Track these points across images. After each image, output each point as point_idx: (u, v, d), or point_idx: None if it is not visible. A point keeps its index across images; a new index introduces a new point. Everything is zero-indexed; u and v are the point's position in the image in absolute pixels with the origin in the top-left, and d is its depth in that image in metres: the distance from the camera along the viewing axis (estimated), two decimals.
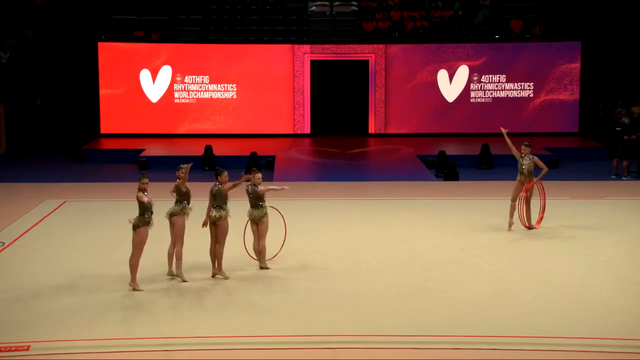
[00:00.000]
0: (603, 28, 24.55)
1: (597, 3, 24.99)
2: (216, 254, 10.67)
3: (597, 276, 10.89)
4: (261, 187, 10.96)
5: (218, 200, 10.66)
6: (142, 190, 10.17)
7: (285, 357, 8.32)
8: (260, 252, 11.09)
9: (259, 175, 11.01)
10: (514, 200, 13.20)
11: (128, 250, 12.25)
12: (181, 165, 10.63)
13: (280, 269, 11.19)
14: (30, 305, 9.62)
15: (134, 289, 10.07)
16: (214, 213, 10.65)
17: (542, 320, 9.23)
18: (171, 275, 10.58)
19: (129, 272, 10.25)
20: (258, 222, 10.99)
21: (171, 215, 10.59)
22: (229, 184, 10.70)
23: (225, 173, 10.79)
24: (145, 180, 10.20)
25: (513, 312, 9.47)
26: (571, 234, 13.14)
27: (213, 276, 10.68)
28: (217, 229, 10.64)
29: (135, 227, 10.13)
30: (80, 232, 13.20)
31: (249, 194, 11.07)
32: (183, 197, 10.62)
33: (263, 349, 8.49)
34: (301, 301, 9.89)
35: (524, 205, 13.14)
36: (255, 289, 10.37)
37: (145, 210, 10.13)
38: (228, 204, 10.71)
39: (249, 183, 11.04)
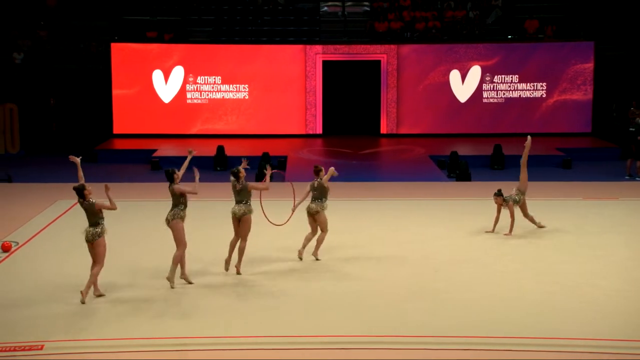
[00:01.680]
0: (616, 28, 24.46)
1: (610, 3, 24.89)
2: (239, 250, 10.89)
3: (609, 277, 10.87)
4: (325, 178, 11.53)
5: (242, 196, 10.86)
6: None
7: (298, 357, 8.35)
8: (319, 242, 11.66)
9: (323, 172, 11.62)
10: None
11: (138, 250, 12.34)
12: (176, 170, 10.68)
13: (292, 269, 11.23)
14: (44, 305, 9.70)
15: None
16: (236, 209, 10.88)
17: (553, 321, 9.23)
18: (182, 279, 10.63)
19: (139, 271, 10.32)
20: (315, 215, 11.53)
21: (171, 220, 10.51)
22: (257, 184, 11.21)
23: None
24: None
25: (524, 313, 9.47)
26: (584, 234, 13.11)
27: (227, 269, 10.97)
28: (242, 224, 10.86)
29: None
30: None
31: (314, 189, 11.51)
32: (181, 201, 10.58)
33: (276, 349, 8.53)
34: (314, 301, 9.92)
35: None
36: (268, 289, 10.41)
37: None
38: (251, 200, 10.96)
39: (315, 179, 11.55)
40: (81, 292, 9.71)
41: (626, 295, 10.17)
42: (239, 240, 10.93)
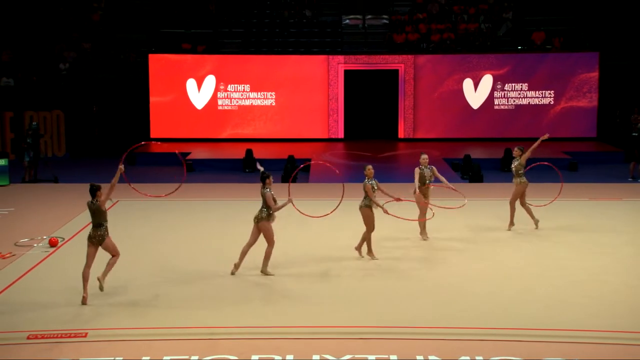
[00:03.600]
0: (620, 39, 24.21)
1: (614, 16, 24.65)
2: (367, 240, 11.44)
3: (615, 273, 10.75)
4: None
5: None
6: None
7: (321, 346, 8.31)
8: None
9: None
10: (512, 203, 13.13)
11: (174, 245, 12.36)
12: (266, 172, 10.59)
13: (317, 266, 11.21)
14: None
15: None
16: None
17: (561, 313, 9.14)
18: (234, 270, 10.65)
19: (177, 264, 10.34)
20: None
21: (258, 220, 10.48)
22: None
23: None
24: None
25: (533, 306, 9.39)
26: (589, 233, 12.98)
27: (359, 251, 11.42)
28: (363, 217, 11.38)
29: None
30: (131, 229, 13.35)
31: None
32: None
33: (300, 338, 8.51)
34: (338, 295, 9.89)
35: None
36: (298, 283, 10.40)
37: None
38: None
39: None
40: (98, 278, 9.56)
41: (631, 289, 10.04)
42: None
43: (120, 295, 9.78)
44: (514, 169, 12.99)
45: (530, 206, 13.07)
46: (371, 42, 25.04)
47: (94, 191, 9.60)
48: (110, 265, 9.70)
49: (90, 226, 9.64)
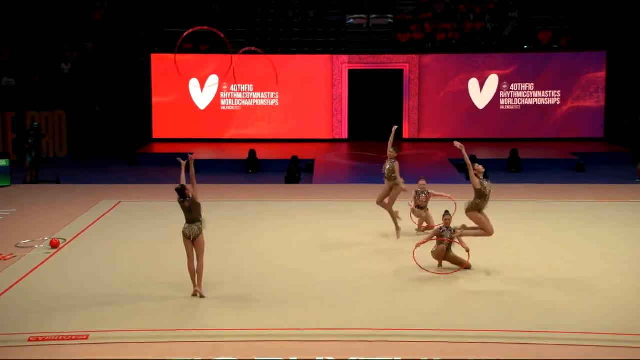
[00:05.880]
0: (628, 38, 24.17)
1: (621, 15, 24.61)
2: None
3: (622, 274, 10.72)
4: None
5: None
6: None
7: (324, 348, 8.31)
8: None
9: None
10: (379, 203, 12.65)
11: (178, 247, 12.35)
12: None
13: (320, 267, 11.20)
14: (89, 298, 9.76)
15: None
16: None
17: (566, 316, 9.11)
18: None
19: (179, 266, 10.34)
20: None
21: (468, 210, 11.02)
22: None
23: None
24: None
25: (539, 308, 9.36)
26: (597, 234, 12.95)
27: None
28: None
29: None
30: (134, 230, 13.36)
31: None
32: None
33: (304, 341, 8.51)
34: (342, 297, 9.88)
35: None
36: (302, 285, 10.39)
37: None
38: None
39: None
40: (196, 290, 9.70)
41: (639, 291, 10.00)
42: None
43: (123, 293, 9.78)
44: (387, 171, 12.49)
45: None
46: (376, 42, 25.04)
47: (183, 190, 9.62)
48: (200, 275, 9.71)
49: (185, 224, 9.73)
